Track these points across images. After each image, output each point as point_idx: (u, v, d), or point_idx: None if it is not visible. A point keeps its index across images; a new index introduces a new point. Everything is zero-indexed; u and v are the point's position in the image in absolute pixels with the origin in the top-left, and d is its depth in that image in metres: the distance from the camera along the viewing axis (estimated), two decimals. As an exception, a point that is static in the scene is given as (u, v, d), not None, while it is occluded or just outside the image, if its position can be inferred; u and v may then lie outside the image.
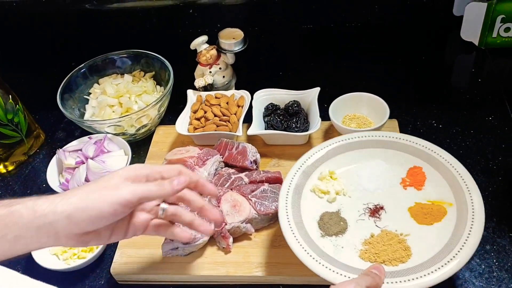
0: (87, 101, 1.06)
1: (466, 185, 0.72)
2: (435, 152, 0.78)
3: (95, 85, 1.08)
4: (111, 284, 0.79)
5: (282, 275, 0.75)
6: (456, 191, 0.73)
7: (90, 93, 1.07)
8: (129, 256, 0.80)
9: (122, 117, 0.95)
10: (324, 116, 0.92)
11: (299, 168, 0.78)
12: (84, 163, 0.91)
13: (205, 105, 0.98)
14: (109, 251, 0.83)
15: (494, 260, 0.75)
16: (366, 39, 1.23)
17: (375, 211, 0.74)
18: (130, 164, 0.91)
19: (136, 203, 0.58)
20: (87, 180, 0.89)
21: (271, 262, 0.76)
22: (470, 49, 1.14)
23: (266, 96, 0.98)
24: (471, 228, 0.66)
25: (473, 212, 0.68)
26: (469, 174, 0.73)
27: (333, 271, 0.64)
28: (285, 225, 0.70)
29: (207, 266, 0.77)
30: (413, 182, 0.77)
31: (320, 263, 0.65)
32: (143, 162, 0.97)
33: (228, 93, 1.00)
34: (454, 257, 0.63)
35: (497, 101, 1.01)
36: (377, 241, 0.69)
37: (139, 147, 1.01)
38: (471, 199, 0.70)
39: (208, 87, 1.03)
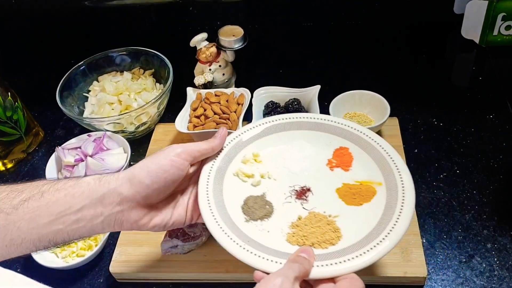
0: (86, 98, 1.06)
1: (394, 163, 0.69)
2: (361, 132, 0.75)
3: (95, 82, 1.07)
4: (110, 283, 0.79)
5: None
6: (384, 170, 0.70)
7: (89, 91, 1.07)
8: (128, 254, 0.79)
9: (121, 114, 0.95)
10: (325, 114, 0.91)
11: (220, 151, 0.73)
12: (83, 161, 0.91)
13: (205, 102, 0.97)
14: (108, 249, 0.83)
15: (495, 259, 0.75)
16: (366, 37, 1.23)
17: (302, 193, 0.71)
18: (130, 162, 0.91)
19: (190, 153, 0.64)
20: (86, 178, 0.89)
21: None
22: (470, 47, 1.14)
23: (266, 94, 0.97)
24: (401, 208, 0.63)
25: (403, 191, 0.65)
26: (397, 153, 0.70)
27: (259, 256, 0.60)
28: (206, 212, 0.65)
29: (207, 265, 0.77)
30: (340, 163, 0.74)
31: (244, 248, 0.61)
32: (142, 160, 0.97)
33: (228, 90, 0.99)
34: (384, 238, 0.60)
35: (498, 99, 1.01)
36: (305, 223, 0.66)
37: (139, 145, 1.01)
38: (401, 178, 0.67)
39: (207, 85, 1.03)
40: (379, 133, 0.93)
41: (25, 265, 0.82)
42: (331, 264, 0.58)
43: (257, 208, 0.68)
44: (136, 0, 1.03)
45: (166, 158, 0.62)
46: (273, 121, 0.78)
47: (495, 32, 1.09)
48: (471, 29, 1.12)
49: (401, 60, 1.14)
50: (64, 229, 0.58)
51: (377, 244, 0.60)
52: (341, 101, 0.94)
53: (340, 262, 0.58)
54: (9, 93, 0.96)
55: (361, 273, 0.57)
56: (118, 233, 0.83)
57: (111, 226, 0.61)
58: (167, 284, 0.78)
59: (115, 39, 1.14)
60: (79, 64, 1.05)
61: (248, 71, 1.12)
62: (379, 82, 1.02)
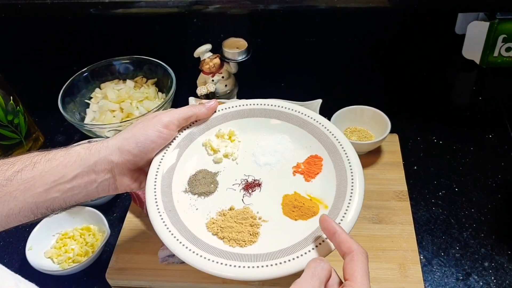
0: (88, 105, 1.06)
1: (351, 196, 0.63)
2: (343, 149, 0.68)
3: (97, 89, 1.08)
4: (105, 290, 0.79)
5: (279, 285, 0.74)
6: (338, 196, 0.64)
7: (92, 98, 1.07)
8: (125, 262, 0.79)
9: (122, 122, 0.95)
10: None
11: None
12: (82, 167, 0.91)
13: (207, 113, 0.98)
14: (105, 256, 0.82)
15: (493, 278, 0.75)
16: (368, 54, 1.24)
17: (250, 186, 0.68)
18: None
19: (176, 123, 0.67)
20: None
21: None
22: (471, 68, 1.15)
23: (267, 106, 0.98)
24: (323, 239, 0.59)
25: (345, 212, 0.61)
26: (362, 190, 0.63)
27: (169, 230, 0.60)
28: (152, 170, 0.65)
29: (204, 274, 0.75)
30: (306, 170, 0.70)
31: (162, 218, 0.61)
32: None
33: (230, 102, 1.00)
34: (291, 260, 0.57)
35: (497, 119, 1.02)
36: (231, 215, 0.64)
37: (139, 153, 1.01)
38: (345, 212, 0.61)
39: (210, 95, 1.03)
40: (379, 148, 0.93)
41: (20, 269, 0.81)
42: (222, 263, 0.58)
43: (202, 184, 0.68)
44: (142, 9, 1.04)
45: (153, 129, 0.64)
46: (267, 104, 0.75)
47: (496, 53, 1.11)
48: (472, 50, 1.13)
49: (402, 77, 1.15)
50: (60, 197, 0.61)
51: (280, 263, 0.57)
52: (342, 115, 0.94)
53: (232, 266, 0.57)
54: (11, 97, 0.96)
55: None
56: (115, 240, 0.82)
57: (105, 190, 0.64)
58: (163, 293, 0.77)
59: (119, 47, 1.14)
60: (82, 70, 1.06)
61: (250, 84, 1.12)
62: (381, 99, 1.02)
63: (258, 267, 0.57)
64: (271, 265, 0.57)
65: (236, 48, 1.01)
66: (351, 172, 0.65)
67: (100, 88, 1.08)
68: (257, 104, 0.76)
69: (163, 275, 0.77)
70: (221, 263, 0.58)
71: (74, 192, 0.61)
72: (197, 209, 0.66)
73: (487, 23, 1.07)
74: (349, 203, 0.62)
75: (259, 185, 0.69)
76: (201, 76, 1.05)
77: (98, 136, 0.97)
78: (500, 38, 1.08)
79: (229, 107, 0.75)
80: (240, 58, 1.01)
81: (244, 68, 1.05)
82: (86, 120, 1.03)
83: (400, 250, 0.77)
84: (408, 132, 0.99)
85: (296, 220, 0.64)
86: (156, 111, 0.95)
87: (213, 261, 0.58)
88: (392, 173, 0.89)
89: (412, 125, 1.01)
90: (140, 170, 0.67)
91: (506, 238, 0.80)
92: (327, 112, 0.95)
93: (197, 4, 1.03)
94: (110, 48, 1.17)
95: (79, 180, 0.61)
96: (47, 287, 0.79)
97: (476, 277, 0.75)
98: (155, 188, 0.64)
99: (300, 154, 0.72)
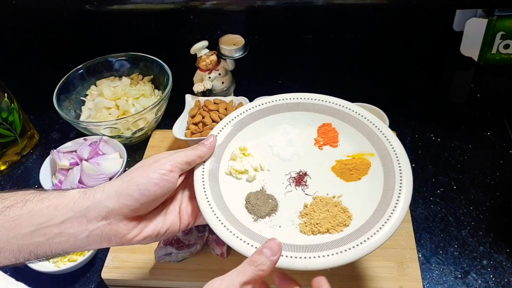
0: (83, 102, 1.05)
1: (381, 132, 0.69)
2: (342, 106, 0.73)
3: (92, 86, 1.07)
4: (101, 289, 0.78)
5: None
6: (373, 140, 0.69)
7: (87, 95, 1.06)
8: (121, 261, 0.78)
9: (118, 119, 0.94)
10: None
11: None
12: (78, 165, 0.90)
13: (203, 110, 0.97)
14: (101, 255, 0.82)
15: (491, 275, 0.74)
16: (366, 51, 1.23)
17: (300, 179, 0.69)
18: (125, 167, 0.90)
19: (180, 166, 0.61)
20: (81, 182, 0.88)
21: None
22: (469, 65, 1.14)
23: (265, 104, 0.97)
24: (401, 175, 0.63)
25: (397, 157, 0.65)
26: (381, 122, 0.70)
27: (282, 255, 0.57)
28: (211, 218, 0.62)
29: (201, 274, 0.76)
30: (327, 140, 0.72)
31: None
32: (138, 166, 0.96)
33: (227, 99, 0.99)
34: (395, 207, 0.60)
35: (495, 117, 1.01)
36: (313, 210, 0.64)
37: (135, 150, 1.00)
38: (391, 145, 0.67)
39: (206, 93, 1.02)
40: (377, 146, 0.93)
41: (15, 268, 0.80)
42: (354, 247, 0.58)
43: (261, 205, 0.66)
44: (137, 5, 1.03)
45: (155, 171, 0.59)
46: (250, 109, 0.75)
47: (494, 51, 1.10)
48: (470, 47, 1.12)
49: (400, 75, 1.15)
50: (46, 242, 0.56)
51: (390, 215, 0.60)
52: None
53: (362, 243, 0.58)
54: (5, 94, 0.95)
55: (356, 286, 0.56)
56: (111, 238, 0.81)
57: (97, 242, 0.58)
58: (160, 292, 0.77)
59: (115, 44, 1.14)
60: (78, 67, 1.05)
61: (247, 81, 1.11)
62: (378, 96, 1.01)
63: (375, 232, 0.59)
64: (383, 224, 0.59)
65: (233, 44, 1.00)
66: (362, 116, 0.72)
67: (95, 85, 1.07)
68: (241, 114, 0.74)
69: (160, 274, 0.76)
70: (353, 247, 0.58)
71: (61, 238, 0.56)
72: (280, 226, 0.64)
73: (485, 20, 1.06)
74: (389, 141, 0.68)
75: (305, 174, 0.70)
76: (198, 73, 1.04)
77: (94, 134, 0.96)
78: (498, 35, 1.07)
79: (220, 130, 0.72)
80: (237, 55, 1.01)
81: (241, 65, 1.04)
82: (82, 118, 1.02)
83: (398, 248, 0.76)
84: (406, 130, 0.99)
85: (360, 179, 0.67)
86: (152, 108, 0.95)
87: (346, 250, 0.58)
88: (390, 170, 0.89)
89: (410, 123, 1.01)
90: (140, 219, 0.60)
91: (504, 236, 0.79)
92: (324, 109, 0.95)
93: (194, 0, 1.02)
94: (105, 44, 1.16)
95: (68, 225, 0.56)
96: (42, 286, 0.79)
97: (474, 275, 0.75)
98: (232, 233, 0.61)
99: (309, 131, 0.74)
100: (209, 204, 0.63)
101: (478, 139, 0.96)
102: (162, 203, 0.63)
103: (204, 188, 0.65)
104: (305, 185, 0.68)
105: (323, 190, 0.67)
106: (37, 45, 1.30)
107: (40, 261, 0.58)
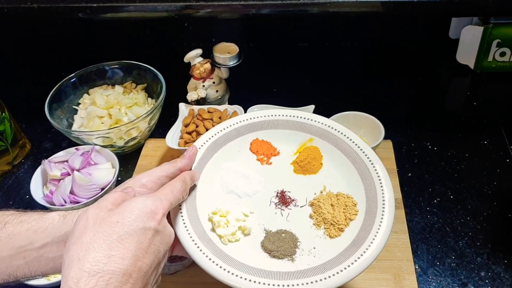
0: (76, 111, 1.04)
1: (303, 118, 0.74)
2: (255, 117, 0.74)
3: (85, 95, 1.06)
4: (92, 302, 0.76)
5: None
6: (300, 127, 0.73)
7: (80, 104, 1.05)
8: (112, 273, 0.76)
9: (111, 128, 0.93)
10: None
11: (193, 240, 0.61)
12: (69, 175, 0.88)
13: (197, 119, 0.96)
14: (92, 267, 0.80)
15: (489, 287, 0.73)
16: (361, 59, 1.22)
17: (284, 199, 0.67)
18: (117, 177, 0.89)
19: (157, 181, 0.60)
20: (72, 192, 0.86)
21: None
22: (465, 73, 1.14)
23: (259, 112, 0.96)
24: (347, 136, 0.71)
25: (332, 128, 0.72)
26: (286, 110, 0.75)
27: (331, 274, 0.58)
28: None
29: (193, 286, 0.74)
30: (266, 152, 0.73)
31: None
32: (130, 176, 0.95)
33: (221, 107, 0.98)
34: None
35: (492, 125, 1.00)
36: (325, 206, 0.66)
37: (127, 160, 0.99)
38: (320, 123, 0.72)
39: (200, 101, 1.01)
40: (372, 155, 0.92)
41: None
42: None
43: (282, 245, 0.62)
44: (131, 14, 1.02)
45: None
46: (202, 146, 0.71)
47: (490, 58, 1.10)
48: (466, 55, 1.12)
49: (396, 83, 1.14)
50: (25, 265, 0.55)
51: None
52: (336, 121, 0.93)
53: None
54: (-4, 103, 0.94)
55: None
56: (103, 250, 0.80)
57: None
58: (152, 306, 0.75)
59: (108, 52, 1.13)
60: (70, 76, 1.04)
61: (242, 89, 1.10)
62: (374, 104, 1.01)
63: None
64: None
65: (227, 53, 1.00)
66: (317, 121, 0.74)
67: (88, 93, 1.06)
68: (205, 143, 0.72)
69: (152, 286, 0.75)
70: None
71: (40, 262, 0.55)
72: (303, 250, 0.63)
73: (481, 28, 1.06)
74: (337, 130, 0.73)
75: (282, 192, 0.69)
76: (192, 82, 1.03)
77: (86, 143, 0.95)
78: (494, 43, 1.07)
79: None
80: (232, 63, 1.00)
81: (235, 73, 1.03)
82: (74, 127, 1.01)
83: (394, 259, 0.75)
84: (402, 138, 0.98)
85: (322, 164, 0.71)
86: (145, 117, 0.93)
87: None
88: (386, 180, 0.88)
89: (406, 131, 1.00)
90: None
91: (502, 247, 0.78)
92: (320, 118, 0.94)
93: (188, 8, 1.00)
94: (98, 53, 1.15)
95: (47, 249, 0.55)
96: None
97: (472, 287, 0.73)
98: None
99: (245, 156, 0.73)
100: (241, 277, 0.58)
101: (475, 148, 0.95)
102: None
103: (228, 271, 0.59)
104: (292, 200, 0.68)
105: (309, 193, 0.68)
106: (29, 53, 1.29)
107: (20, 282, 0.58)
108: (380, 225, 0.61)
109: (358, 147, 0.69)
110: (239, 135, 0.73)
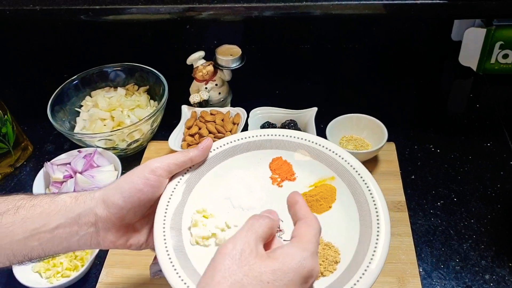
0: (78, 113, 1.03)
1: (333, 152, 0.65)
2: (285, 136, 0.69)
3: (87, 97, 1.05)
4: (95, 305, 0.76)
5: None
6: (328, 163, 0.65)
7: (82, 106, 1.05)
8: (115, 276, 0.76)
9: (113, 131, 0.93)
10: (321, 136, 0.89)
11: (164, 226, 0.59)
12: (72, 178, 0.88)
13: (200, 121, 0.96)
14: (95, 270, 0.80)
15: (494, 291, 0.73)
16: (364, 61, 1.22)
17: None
18: (120, 179, 0.89)
19: (167, 169, 0.59)
20: (74, 195, 0.86)
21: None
22: (468, 75, 1.14)
23: (262, 115, 0.96)
24: (372, 196, 0.60)
25: (361, 177, 0.62)
26: (328, 142, 0.67)
27: None
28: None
29: None
30: (283, 175, 0.67)
31: None
32: (133, 178, 0.95)
33: (224, 110, 0.98)
34: (378, 226, 0.57)
35: (495, 127, 1.00)
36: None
37: (130, 162, 0.98)
38: (347, 162, 0.64)
39: (203, 103, 1.01)
40: (375, 158, 0.91)
41: (7, 285, 0.78)
42: (357, 280, 0.54)
43: None
44: (133, 16, 1.02)
45: (139, 176, 0.57)
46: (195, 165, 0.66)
47: (493, 60, 1.09)
48: (469, 57, 1.12)
49: (398, 85, 1.14)
50: (39, 246, 0.57)
51: (377, 239, 0.56)
52: (338, 124, 0.93)
53: (361, 277, 0.54)
54: (-2, 105, 0.94)
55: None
56: (106, 254, 0.80)
57: (87, 245, 0.59)
58: (155, 309, 0.75)
59: (110, 54, 1.12)
60: (73, 78, 1.04)
61: (244, 91, 1.10)
62: (377, 107, 1.01)
63: (371, 259, 0.55)
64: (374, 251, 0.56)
65: (229, 55, 0.99)
66: (309, 141, 0.68)
67: (90, 96, 1.06)
68: (186, 173, 0.65)
69: (155, 290, 0.74)
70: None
71: (54, 242, 0.57)
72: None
73: (484, 30, 1.05)
74: (346, 162, 0.64)
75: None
76: (194, 84, 1.03)
77: (88, 146, 0.95)
78: (497, 45, 1.07)
79: (173, 191, 0.63)
80: (234, 65, 0.99)
81: (238, 75, 1.03)
82: (76, 129, 1.01)
83: (398, 262, 0.75)
84: (405, 141, 0.98)
85: (331, 207, 0.63)
86: (148, 119, 0.93)
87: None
88: (389, 182, 0.88)
89: (409, 134, 0.99)
90: (127, 227, 0.60)
91: (507, 250, 0.78)
92: (322, 120, 0.94)
93: (190, 10, 1.01)
94: (101, 55, 1.15)
95: (61, 230, 0.57)
96: (34, 303, 0.77)
97: (476, 290, 0.73)
98: None
99: (262, 170, 0.68)
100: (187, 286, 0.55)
101: (478, 150, 0.95)
102: (152, 212, 0.61)
103: (175, 269, 0.56)
104: (280, 230, 0.62)
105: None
106: (31, 55, 1.28)
107: (34, 262, 0.60)
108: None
109: (375, 206, 0.60)
110: (266, 148, 0.70)
